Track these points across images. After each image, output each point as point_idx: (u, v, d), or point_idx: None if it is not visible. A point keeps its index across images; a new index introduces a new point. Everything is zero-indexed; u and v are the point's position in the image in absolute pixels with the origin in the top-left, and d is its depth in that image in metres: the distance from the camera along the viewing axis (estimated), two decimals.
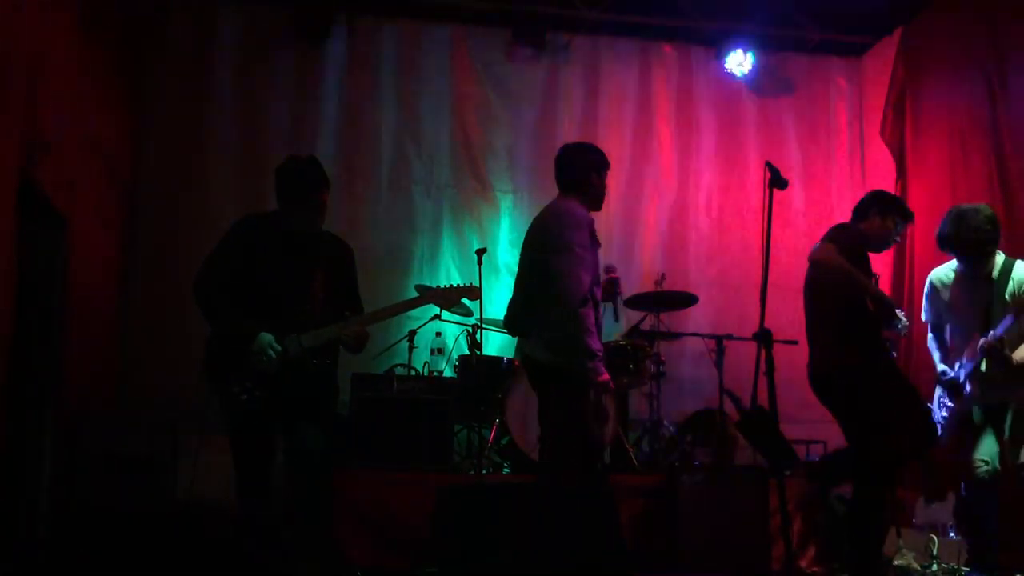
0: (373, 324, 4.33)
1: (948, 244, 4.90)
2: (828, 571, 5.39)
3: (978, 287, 4.87)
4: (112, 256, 6.45)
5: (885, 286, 7.05)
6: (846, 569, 5.07)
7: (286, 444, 4.10)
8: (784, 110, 8.24)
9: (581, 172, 4.63)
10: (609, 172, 7.59)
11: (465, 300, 4.74)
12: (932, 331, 5.16)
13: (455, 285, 4.58)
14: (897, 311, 4.68)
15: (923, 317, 5.20)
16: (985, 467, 4.82)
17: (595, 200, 4.64)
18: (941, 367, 5.03)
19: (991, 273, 4.85)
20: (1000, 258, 4.87)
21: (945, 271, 5.07)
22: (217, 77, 7.34)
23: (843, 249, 4.59)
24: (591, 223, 4.44)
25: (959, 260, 4.95)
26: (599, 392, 4.27)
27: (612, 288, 4.89)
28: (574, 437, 4.37)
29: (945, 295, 5.02)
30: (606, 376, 4.25)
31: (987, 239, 4.79)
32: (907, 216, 4.96)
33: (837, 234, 4.73)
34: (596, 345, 4.23)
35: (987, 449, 4.84)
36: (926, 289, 5.16)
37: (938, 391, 5.05)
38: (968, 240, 4.80)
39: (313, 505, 4.07)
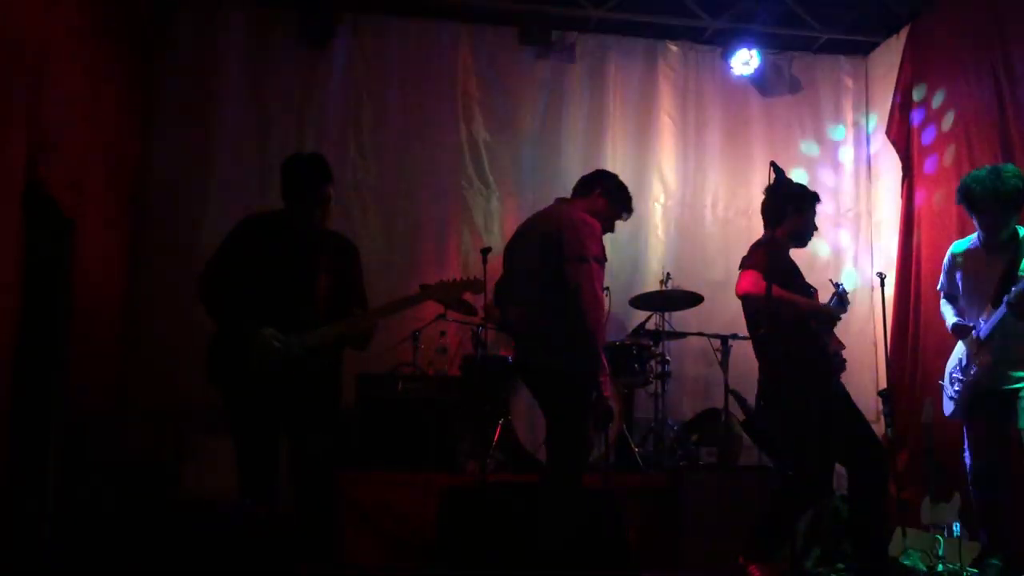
0: (376, 321, 4.32)
1: (978, 200, 4.86)
2: (833, 571, 5.38)
3: (995, 259, 4.84)
4: (118, 257, 6.46)
5: (891, 286, 7.03)
6: (851, 570, 5.07)
7: (289, 446, 4.10)
8: (790, 109, 8.22)
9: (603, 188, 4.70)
10: (615, 171, 7.63)
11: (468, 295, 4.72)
12: (945, 298, 5.16)
13: (458, 279, 4.53)
14: (839, 302, 4.73)
15: (938, 287, 5.20)
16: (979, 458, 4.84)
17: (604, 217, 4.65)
18: (955, 320, 5.00)
19: (1008, 242, 4.81)
20: (1021, 232, 4.86)
21: (965, 244, 5.08)
22: (222, 77, 7.35)
23: (768, 271, 4.41)
24: (602, 235, 4.45)
25: (983, 220, 4.89)
26: (599, 407, 4.30)
27: None
28: (578, 441, 4.38)
29: (962, 267, 5.01)
30: (609, 393, 4.30)
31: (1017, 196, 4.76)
32: (816, 199, 4.94)
33: (756, 257, 4.65)
34: (606, 364, 4.28)
35: (980, 437, 4.85)
36: (945, 261, 5.16)
37: (950, 365, 5.02)
38: (999, 194, 4.76)
39: (315, 507, 4.07)
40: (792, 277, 4.75)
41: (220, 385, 4.10)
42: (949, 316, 5.10)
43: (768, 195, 4.88)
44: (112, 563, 3.96)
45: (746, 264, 4.68)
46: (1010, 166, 4.97)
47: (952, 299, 5.14)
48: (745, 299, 4.64)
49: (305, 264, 4.17)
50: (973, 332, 4.86)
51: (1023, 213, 4.88)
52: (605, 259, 4.44)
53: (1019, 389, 4.72)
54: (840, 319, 4.79)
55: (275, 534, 3.96)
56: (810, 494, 4.78)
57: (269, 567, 3.93)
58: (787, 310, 4.59)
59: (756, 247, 4.79)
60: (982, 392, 4.81)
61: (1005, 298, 4.63)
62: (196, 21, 7.35)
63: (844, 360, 4.91)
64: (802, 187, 4.98)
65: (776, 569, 4.51)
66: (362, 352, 4.47)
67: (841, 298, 4.79)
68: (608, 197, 4.69)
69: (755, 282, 4.50)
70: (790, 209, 4.82)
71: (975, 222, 4.96)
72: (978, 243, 4.98)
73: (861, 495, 4.68)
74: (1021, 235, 4.84)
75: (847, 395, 4.84)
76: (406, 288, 6.94)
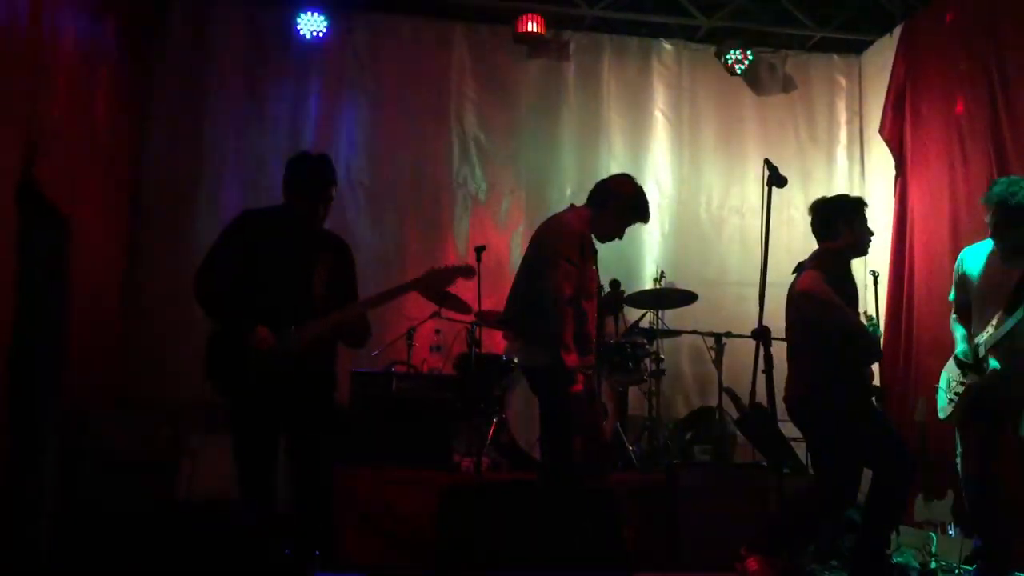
0: (368, 311, 4.30)
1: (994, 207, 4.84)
2: (827, 568, 5.40)
3: (1011, 266, 4.78)
4: (113, 254, 6.45)
5: (885, 285, 7.05)
6: (845, 567, 5.09)
7: (287, 443, 4.10)
8: (784, 108, 8.25)
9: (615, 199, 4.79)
10: (610, 168, 7.67)
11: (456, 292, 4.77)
12: (956, 311, 5.09)
13: (448, 266, 4.47)
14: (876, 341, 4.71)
15: (950, 297, 5.15)
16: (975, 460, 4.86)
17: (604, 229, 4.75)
18: (963, 347, 4.97)
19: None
20: None
21: (978, 249, 5.01)
22: (217, 74, 7.35)
23: (831, 276, 4.48)
24: (584, 238, 4.57)
25: (995, 231, 4.87)
26: (573, 403, 4.42)
27: (616, 300, 4.94)
28: (565, 436, 4.47)
29: (974, 273, 4.95)
30: (579, 387, 4.39)
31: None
32: (864, 205, 4.87)
33: (822, 260, 4.64)
34: (571, 359, 4.37)
35: (977, 441, 4.87)
36: (956, 268, 5.09)
37: (948, 375, 5.04)
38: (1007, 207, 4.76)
39: (315, 506, 4.07)
40: (850, 294, 4.71)
41: (219, 384, 4.09)
42: (958, 342, 5.01)
43: (816, 211, 4.85)
44: (111, 563, 3.98)
45: (809, 264, 4.66)
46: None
47: (963, 311, 5.05)
48: (803, 296, 4.60)
49: (303, 261, 4.16)
50: (980, 348, 4.85)
51: None
52: (587, 260, 4.55)
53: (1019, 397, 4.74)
54: (879, 357, 4.77)
55: (274, 534, 3.95)
56: (836, 503, 4.77)
57: (268, 567, 3.93)
58: (840, 319, 4.55)
59: (820, 253, 4.75)
60: (983, 397, 4.81)
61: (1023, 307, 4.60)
62: (191, 18, 7.35)
63: (874, 383, 4.91)
64: (846, 197, 4.95)
65: (774, 564, 4.52)
66: (358, 349, 4.50)
67: (875, 330, 4.79)
68: (605, 211, 4.77)
69: (815, 280, 4.49)
70: (841, 224, 4.75)
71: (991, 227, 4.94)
72: (994, 249, 4.90)
73: (881, 498, 4.64)
74: None
75: (875, 404, 4.84)
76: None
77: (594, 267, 4.71)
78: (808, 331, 4.59)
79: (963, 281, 5.03)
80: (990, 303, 4.84)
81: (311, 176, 4.19)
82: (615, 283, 4.96)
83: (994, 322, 4.73)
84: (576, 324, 4.48)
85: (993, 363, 4.71)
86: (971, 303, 4.98)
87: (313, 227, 4.23)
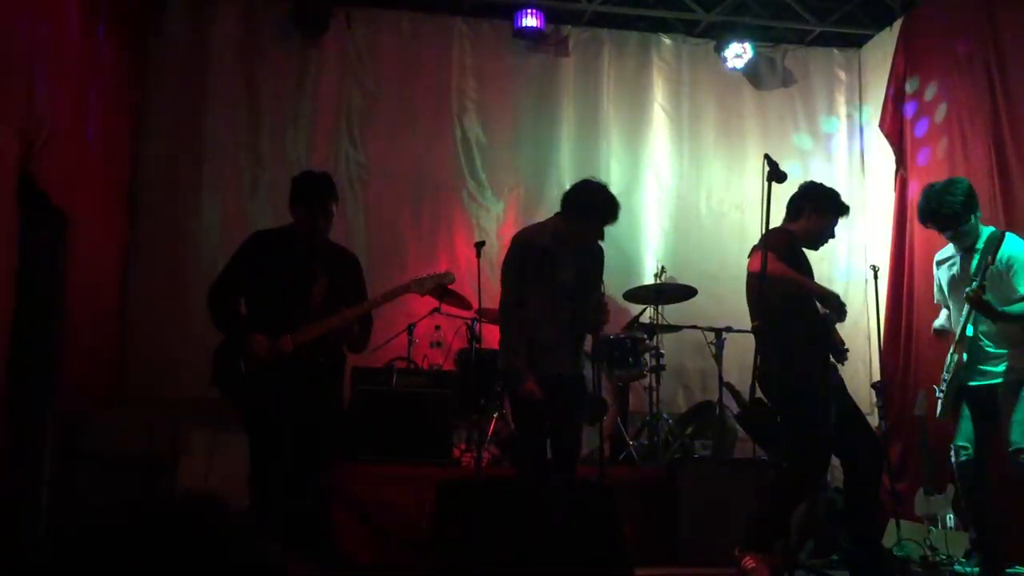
0: (355, 317, 4.42)
1: (924, 219, 5.01)
2: (827, 564, 5.41)
3: (967, 262, 4.91)
4: (112, 252, 6.44)
5: (885, 280, 7.04)
6: (845, 560, 5.10)
7: (290, 442, 4.18)
8: (783, 102, 8.23)
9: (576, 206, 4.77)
10: (609, 164, 7.66)
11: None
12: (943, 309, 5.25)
13: (432, 274, 4.83)
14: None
15: (935, 300, 5.29)
16: (965, 452, 4.88)
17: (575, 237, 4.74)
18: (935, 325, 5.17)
19: (975, 245, 4.88)
20: (987, 231, 4.91)
21: (943, 251, 5.15)
22: (215, 71, 7.31)
23: (780, 254, 4.59)
24: (529, 244, 4.67)
25: (943, 234, 5.02)
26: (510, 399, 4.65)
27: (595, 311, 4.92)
28: (519, 436, 4.69)
29: (944, 275, 5.09)
30: (527, 388, 4.47)
31: (956, 211, 4.83)
32: (843, 210, 4.97)
33: (769, 238, 4.65)
34: (518, 363, 4.50)
35: (966, 434, 4.89)
36: (934, 272, 5.25)
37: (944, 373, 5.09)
38: (939, 214, 4.87)
39: (311, 502, 4.13)
40: (801, 269, 4.77)
41: (226, 390, 4.25)
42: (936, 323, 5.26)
43: (798, 190, 4.97)
44: (109, 562, 3.97)
45: (759, 245, 4.69)
46: (956, 179, 5.14)
47: (945, 308, 5.20)
48: (753, 277, 4.63)
49: (303, 272, 4.38)
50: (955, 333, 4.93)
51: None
52: (510, 272, 4.69)
53: (995, 385, 4.78)
54: (845, 311, 4.79)
55: (271, 531, 3.97)
56: (805, 485, 4.80)
57: (265, 567, 3.94)
58: (794, 288, 4.61)
59: (769, 232, 4.79)
60: (962, 390, 4.86)
61: (965, 292, 4.68)
62: (188, 13, 7.33)
63: (847, 349, 4.94)
64: (829, 190, 5.00)
65: (771, 560, 4.53)
66: (357, 353, 4.64)
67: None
68: (564, 217, 4.77)
69: (769, 260, 4.53)
70: (808, 207, 4.85)
71: None
72: (953, 249, 5.06)
73: (857, 487, 4.70)
74: (984, 236, 4.89)
75: (844, 387, 4.86)
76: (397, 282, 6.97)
77: (560, 272, 4.67)
78: (774, 310, 4.62)
79: (938, 282, 5.19)
80: (956, 299, 4.98)
81: (309, 191, 4.41)
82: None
83: (963, 315, 4.83)
84: (525, 329, 4.56)
85: (964, 356, 4.80)
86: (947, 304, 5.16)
87: (315, 241, 4.38)
